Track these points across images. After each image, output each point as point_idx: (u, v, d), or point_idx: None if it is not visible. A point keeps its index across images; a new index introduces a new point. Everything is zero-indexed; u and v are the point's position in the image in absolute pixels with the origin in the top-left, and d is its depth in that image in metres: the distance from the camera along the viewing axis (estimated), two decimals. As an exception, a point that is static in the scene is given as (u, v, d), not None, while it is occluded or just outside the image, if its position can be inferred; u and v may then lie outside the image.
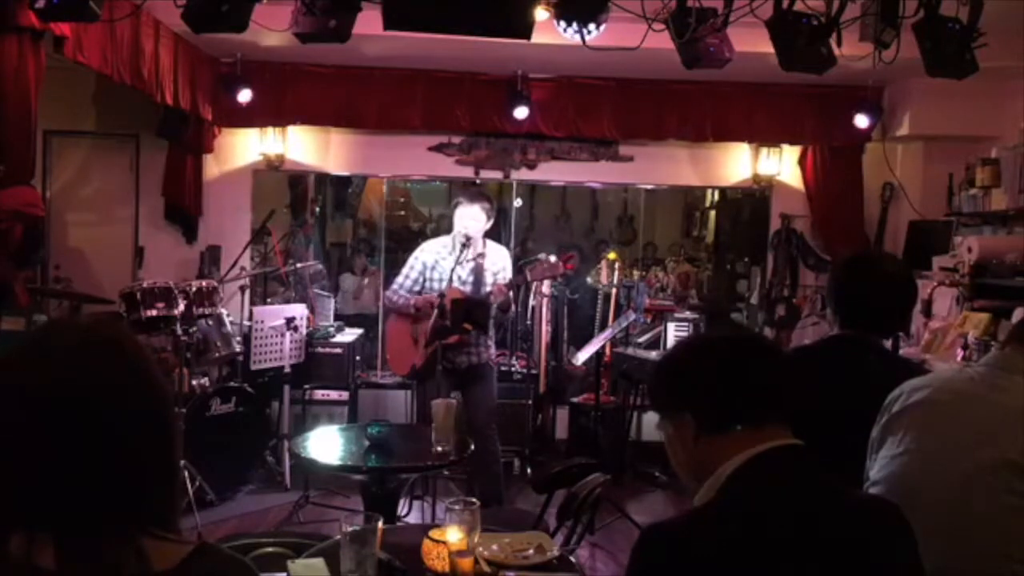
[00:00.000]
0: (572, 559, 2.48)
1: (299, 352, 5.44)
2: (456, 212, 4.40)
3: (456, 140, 6.08)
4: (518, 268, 5.32)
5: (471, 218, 4.36)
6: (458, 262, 4.37)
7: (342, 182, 7.58)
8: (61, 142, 6.02)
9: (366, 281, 7.30)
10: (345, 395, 5.65)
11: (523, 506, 4.39)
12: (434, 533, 2.23)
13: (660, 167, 6.23)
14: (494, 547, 2.34)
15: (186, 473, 4.34)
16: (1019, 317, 3.79)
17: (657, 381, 1.55)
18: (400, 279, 4.53)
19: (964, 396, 1.76)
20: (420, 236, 7.00)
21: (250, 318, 5.28)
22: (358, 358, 5.91)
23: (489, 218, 4.40)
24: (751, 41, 3.47)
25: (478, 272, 4.40)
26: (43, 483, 1.03)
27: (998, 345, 2.21)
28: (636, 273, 6.33)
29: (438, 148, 6.09)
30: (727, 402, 1.43)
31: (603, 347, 5.53)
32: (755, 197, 6.71)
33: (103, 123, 5.97)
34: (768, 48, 3.23)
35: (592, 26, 3.23)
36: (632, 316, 5.46)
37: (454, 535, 2.16)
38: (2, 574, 1.03)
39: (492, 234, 4.61)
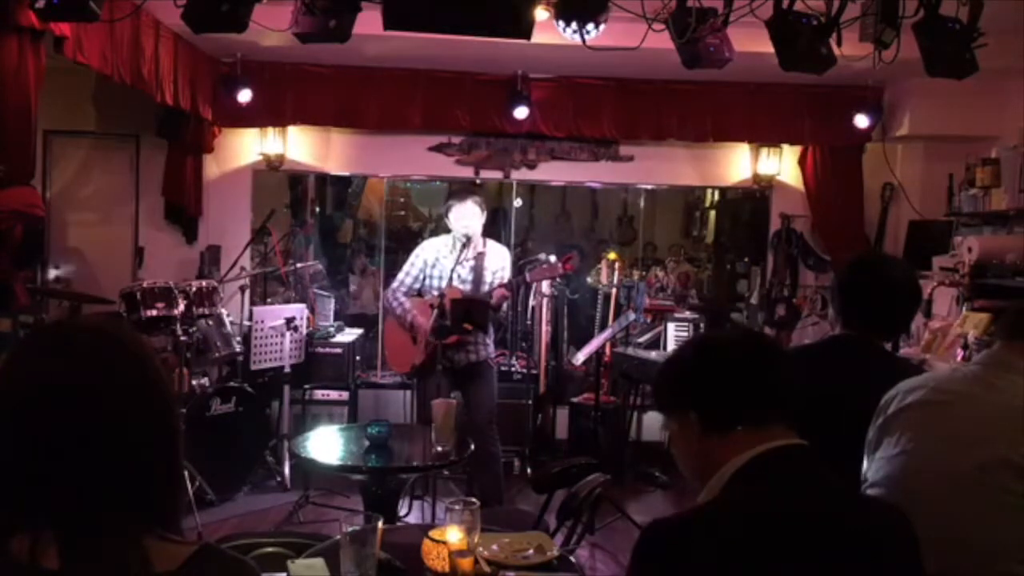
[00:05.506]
0: (572, 559, 2.48)
1: (299, 352, 5.45)
2: (451, 214, 4.41)
3: (456, 140, 6.08)
4: (518, 268, 5.33)
5: (470, 216, 4.37)
6: (458, 261, 4.38)
7: (342, 182, 7.58)
8: (61, 142, 6.01)
9: (362, 281, 7.32)
10: (345, 395, 5.66)
11: (523, 506, 4.39)
12: (434, 533, 2.22)
13: (660, 167, 6.22)
14: (494, 547, 2.34)
15: (186, 473, 4.34)
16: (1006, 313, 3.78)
17: (662, 380, 1.56)
18: (401, 276, 4.56)
19: (960, 396, 1.77)
20: (420, 236, 7.00)
21: (250, 318, 5.29)
22: (358, 358, 5.92)
23: (483, 211, 4.42)
24: (751, 41, 3.47)
25: (478, 271, 4.40)
26: (47, 483, 1.03)
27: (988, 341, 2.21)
28: (636, 273, 6.33)
29: (438, 148, 6.09)
30: (731, 402, 1.43)
31: (603, 347, 5.53)
32: (755, 197, 6.71)
33: (103, 123, 5.97)
34: (768, 48, 3.23)
35: (592, 26, 3.23)
36: (632, 316, 5.46)
37: (454, 535, 2.16)
38: (5, 574, 1.03)
39: (492, 234, 4.61)
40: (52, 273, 5.97)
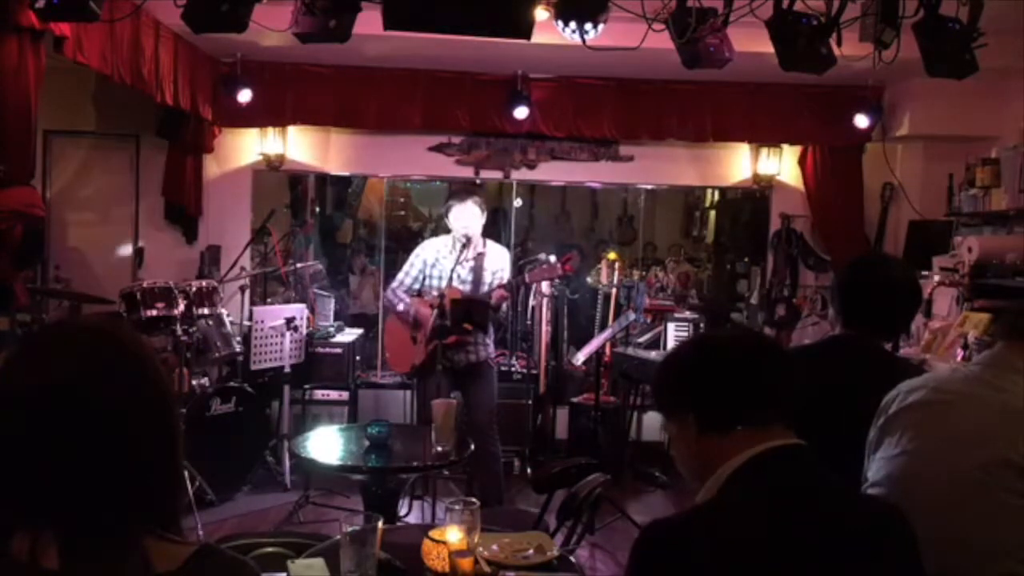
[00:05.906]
0: (572, 559, 2.48)
1: (299, 352, 5.45)
2: (451, 214, 4.41)
3: (456, 140, 6.08)
4: (518, 268, 5.32)
5: (470, 216, 4.37)
6: (458, 262, 4.38)
7: (342, 182, 7.58)
8: (61, 142, 6.01)
9: (362, 281, 7.32)
10: (345, 395, 5.66)
11: (523, 506, 4.39)
12: (434, 533, 2.23)
13: (660, 167, 6.22)
14: (494, 547, 2.34)
15: (186, 473, 4.34)
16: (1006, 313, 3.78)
17: (661, 380, 1.56)
18: (400, 276, 4.57)
19: (960, 396, 1.77)
20: (420, 236, 7.01)
21: (250, 318, 5.29)
22: (358, 358, 5.92)
23: (483, 212, 4.42)
24: (751, 41, 3.47)
25: (477, 271, 4.40)
26: (47, 482, 1.03)
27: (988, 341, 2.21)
28: (636, 273, 6.33)
29: (438, 148, 6.09)
30: (729, 402, 1.43)
31: (603, 347, 5.53)
32: (755, 197, 6.71)
33: (103, 123, 5.97)
34: (768, 48, 3.23)
35: (592, 26, 3.23)
36: (632, 316, 5.45)
37: (454, 535, 2.16)
38: (5, 574, 1.03)
39: (492, 234, 4.61)
40: (52, 273, 5.96)
